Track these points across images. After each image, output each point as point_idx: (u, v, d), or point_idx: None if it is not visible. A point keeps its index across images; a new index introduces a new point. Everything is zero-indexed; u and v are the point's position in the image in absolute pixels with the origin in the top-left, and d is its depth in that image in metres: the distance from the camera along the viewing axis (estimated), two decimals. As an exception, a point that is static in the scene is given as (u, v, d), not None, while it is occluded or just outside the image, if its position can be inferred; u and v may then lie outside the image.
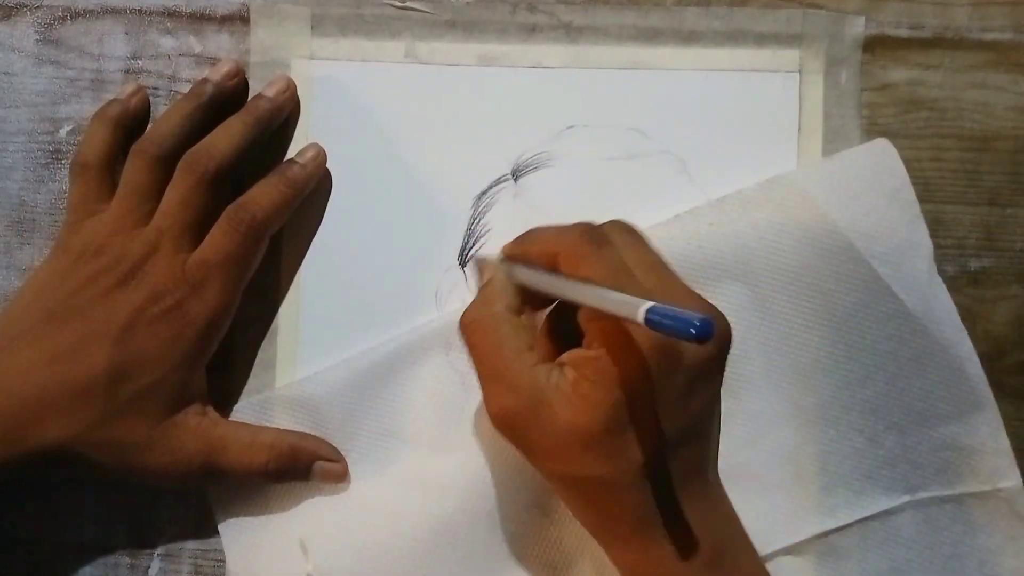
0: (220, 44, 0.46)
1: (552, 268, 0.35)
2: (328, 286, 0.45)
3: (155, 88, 0.46)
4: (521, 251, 0.37)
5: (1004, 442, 0.42)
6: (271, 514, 0.43)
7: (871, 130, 0.45)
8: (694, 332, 0.25)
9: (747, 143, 0.45)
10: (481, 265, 0.39)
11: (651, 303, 0.27)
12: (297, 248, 0.45)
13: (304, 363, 0.44)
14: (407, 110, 0.45)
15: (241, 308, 0.43)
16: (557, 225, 0.36)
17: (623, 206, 0.44)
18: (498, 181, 0.45)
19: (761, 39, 0.45)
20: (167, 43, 0.46)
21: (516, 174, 0.45)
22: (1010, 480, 0.42)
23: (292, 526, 0.42)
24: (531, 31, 0.46)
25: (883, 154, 0.44)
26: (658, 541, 0.33)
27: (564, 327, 0.37)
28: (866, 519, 0.42)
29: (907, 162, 0.45)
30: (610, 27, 0.45)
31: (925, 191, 0.45)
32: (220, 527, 0.43)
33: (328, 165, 0.45)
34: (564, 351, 0.35)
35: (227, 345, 0.44)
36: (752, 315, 0.43)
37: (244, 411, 0.44)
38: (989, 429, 0.43)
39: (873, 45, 0.45)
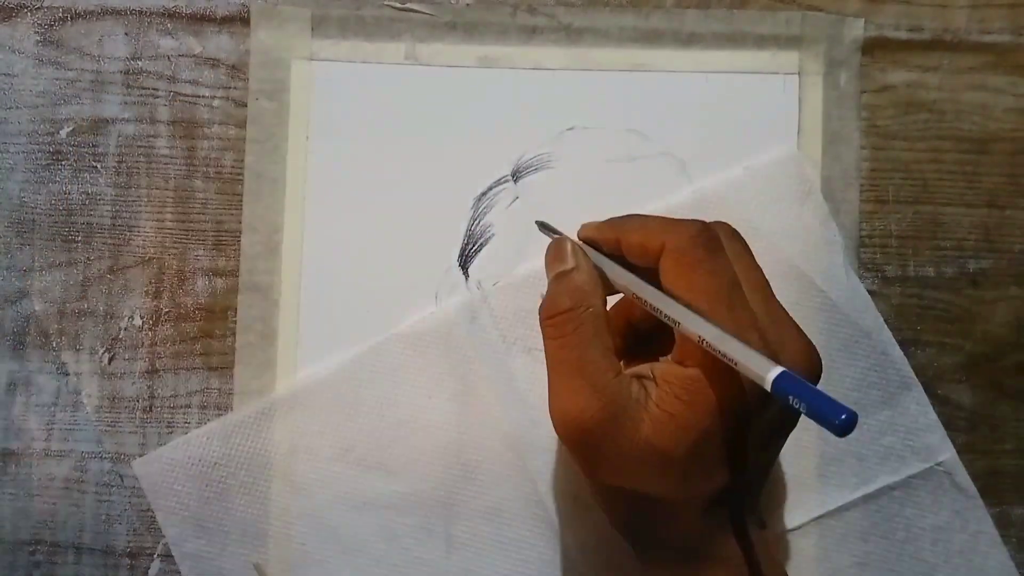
0: (220, 45, 0.46)
1: (647, 262, 0.31)
2: (327, 287, 0.44)
3: (155, 89, 0.46)
4: (613, 238, 0.33)
5: (932, 416, 0.43)
6: (228, 540, 0.42)
7: (870, 132, 0.45)
8: (838, 424, 0.23)
9: (747, 145, 0.45)
10: (561, 245, 0.34)
11: (780, 369, 0.25)
12: (297, 249, 0.45)
13: (304, 364, 0.44)
14: (407, 111, 0.45)
15: (241, 309, 0.43)
16: (661, 217, 0.33)
17: (623, 208, 0.43)
18: (498, 182, 0.45)
19: (761, 41, 0.45)
20: (167, 44, 0.46)
21: (516, 175, 0.45)
22: (945, 453, 0.43)
23: (248, 551, 0.42)
24: (532, 33, 0.45)
25: (791, 161, 0.44)
26: (704, 574, 0.31)
27: (632, 330, 0.33)
28: (822, 517, 0.42)
29: (906, 164, 0.45)
30: (610, 29, 0.45)
31: (924, 192, 0.45)
32: (175, 552, 0.42)
33: (329, 166, 0.45)
34: (627, 351, 0.32)
35: (228, 345, 0.44)
36: None
37: (243, 418, 0.43)
38: (918, 407, 0.43)
39: (872, 47, 0.45)
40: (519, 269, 0.44)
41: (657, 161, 0.45)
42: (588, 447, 0.30)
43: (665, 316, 0.30)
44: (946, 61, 0.45)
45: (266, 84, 0.45)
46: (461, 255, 0.44)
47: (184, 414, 0.45)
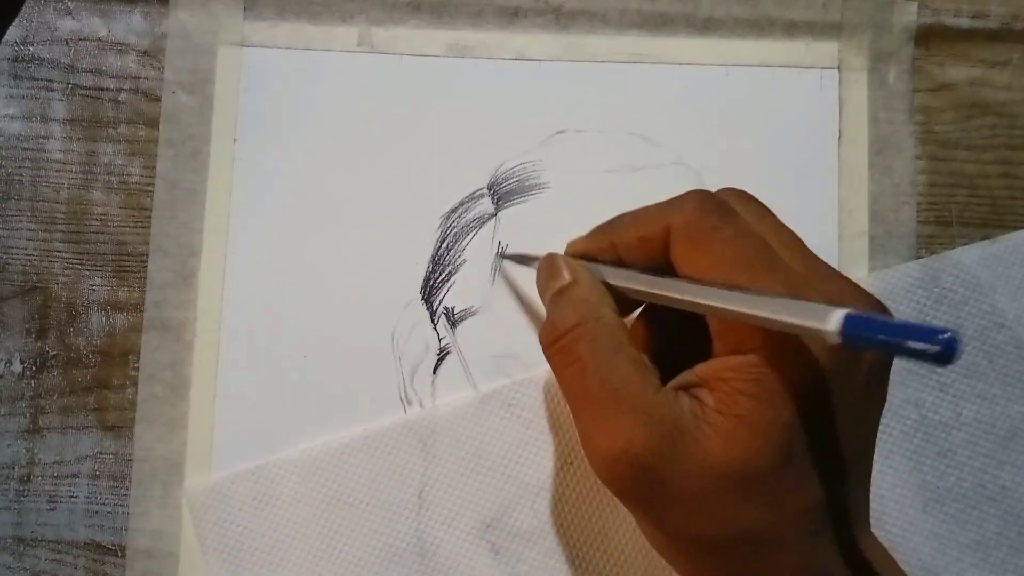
0: (131, 27, 0.38)
1: (653, 256, 0.27)
2: (255, 326, 0.36)
3: (48, 80, 0.37)
4: (607, 243, 0.29)
5: None
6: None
7: (926, 139, 0.38)
8: (938, 347, 0.18)
9: (776, 154, 0.38)
10: (551, 262, 0.30)
11: (847, 310, 0.20)
12: (217, 278, 0.36)
13: (222, 422, 0.36)
14: (359, 110, 0.38)
15: (145, 353, 0.36)
16: (652, 205, 0.28)
17: None
18: (471, 197, 0.38)
19: (792, 29, 0.39)
20: (65, 25, 0.38)
21: (494, 189, 0.38)
22: None
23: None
24: (513, 15, 0.38)
25: None
26: None
27: (655, 337, 0.29)
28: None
29: (970, 178, 0.38)
30: (609, 12, 0.38)
31: (993, 213, 0.38)
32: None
33: (261, 175, 0.37)
34: (660, 367, 0.26)
35: (128, 399, 0.36)
36: (902, 423, 0.36)
37: (199, 496, 0.35)
38: None
39: (927, 37, 0.39)
40: (496, 301, 0.36)
41: (666, 172, 0.38)
42: (648, 489, 0.25)
43: (693, 305, 0.25)
44: (1017, 55, 0.39)
45: (185, 75, 0.38)
46: (425, 286, 0.37)
47: (71, 485, 0.36)
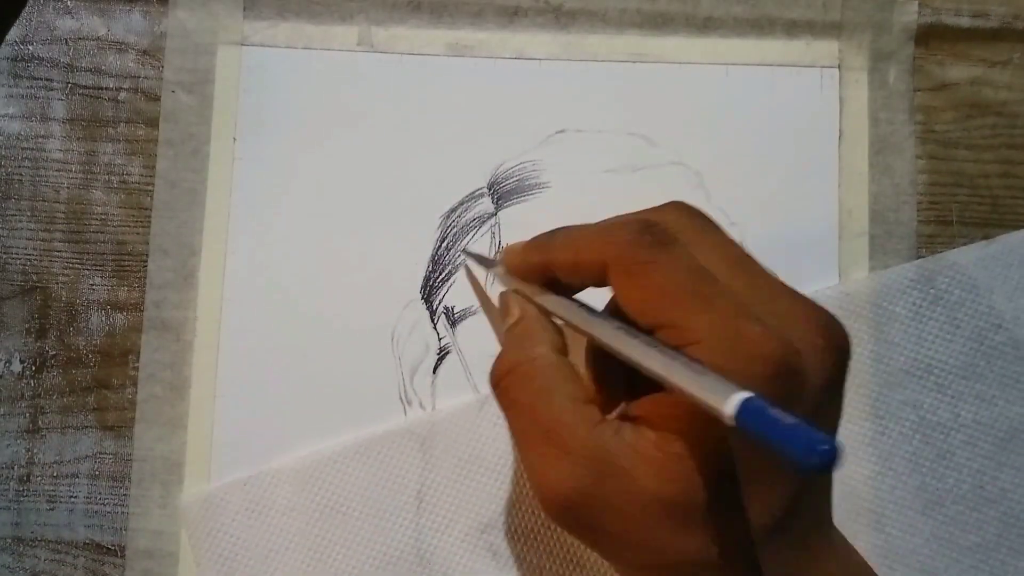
0: (130, 26, 0.38)
1: (591, 282, 0.27)
2: (254, 326, 0.36)
3: (48, 80, 0.37)
4: (540, 263, 0.28)
5: None
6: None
7: (927, 138, 0.38)
8: (814, 458, 0.18)
9: (776, 153, 0.38)
10: (503, 301, 0.30)
11: (746, 395, 0.20)
12: (217, 278, 0.36)
13: (222, 422, 0.36)
14: (359, 109, 0.38)
15: (145, 353, 0.36)
16: (592, 225, 0.28)
17: None
18: (471, 197, 0.37)
19: (792, 28, 0.39)
20: (65, 24, 0.38)
21: (494, 189, 0.38)
22: None
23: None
24: (513, 15, 0.38)
25: None
26: None
27: (614, 363, 0.28)
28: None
29: (971, 178, 0.38)
30: (609, 11, 0.38)
31: (994, 213, 0.38)
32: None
33: (260, 175, 0.37)
34: (617, 395, 0.27)
35: (128, 399, 0.36)
36: (900, 424, 0.36)
37: (193, 508, 0.35)
38: None
39: (928, 36, 0.39)
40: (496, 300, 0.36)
41: (667, 172, 0.38)
42: (586, 522, 0.25)
43: (617, 352, 0.25)
44: (1017, 54, 0.39)
45: (185, 74, 0.38)
46: (425, 286, 0.37)
47: (70, 485, 0.36)
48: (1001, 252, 0.37)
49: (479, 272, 0.35)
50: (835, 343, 0.25)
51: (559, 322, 0.28)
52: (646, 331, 0.25)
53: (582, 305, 0.27)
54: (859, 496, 0.35)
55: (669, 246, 0.25)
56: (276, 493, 0.35)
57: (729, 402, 0.20)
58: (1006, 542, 0.35)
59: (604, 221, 0.27)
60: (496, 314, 0.31)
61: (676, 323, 0.24)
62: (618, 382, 0.28)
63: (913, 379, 0.36)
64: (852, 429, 0.36)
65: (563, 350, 0.27)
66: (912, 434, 0.36)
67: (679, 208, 0.28)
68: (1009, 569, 0.35)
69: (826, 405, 0.25)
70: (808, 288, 0.36)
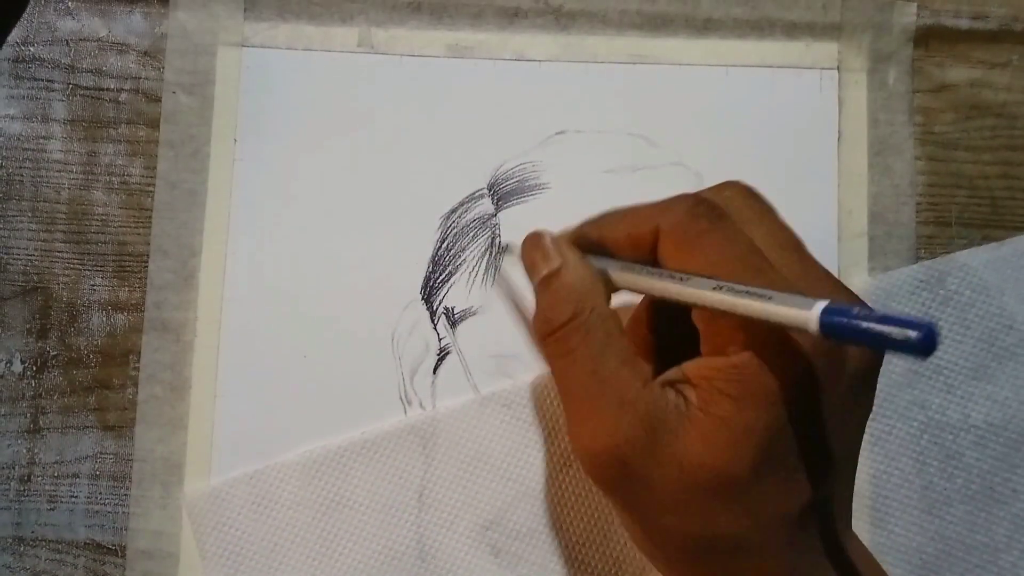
0: (131, 27, 0.38)
1: (641, 256, 0.26)
2: (254, 327, 0.36)
3: (49, 81, 0.37)
4: (596, 236, 0.28)
5: None
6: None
7: (926, 140, 0.38)
8: (914, 339, 0.18)
9: (776, 154, 0.38)
10: (539, 241, 0.29)
11: (826, 302, 0.20)
12: (217, 278, 0.36)
13: (223, 423, 0.36)
14: (360, 110, 0.38)
15: (146, 353, 0.36)
16: (644, 204, 0.27)
17: None
18: (471, 198, 0.37)
19: (792, 29, 0.39)
20: (66, 25, 0.38)
21: (494, 189, 0.38)
22: None
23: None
24: (513, 16, 0.38)
25: None
26: None
27: (655, 329, 0.28)
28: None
29: (970, 179, 0.38)
30: (609, 12, 0.38)
31: (993, 214, 0.38)
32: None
33: (261, 176, 0.37)
34: (657, 364, 0.26)
35: (128, 399, 0.36)
36: (908, 424, 0.36)
37: (197, 502, 0.35)
38: None
39: (927, 38, 0.39)
40: (496, 301, 0.36)
41: (666, 172, 0.38)
42: (628, 483, 0.25)
43: (676, 298, 0.25)
44: (1016, 56, 0.39)
45: (186, 75, 0.38)
46: (425, 287, 0.37)
47: (71, 485, 0.36)
48: (1012, 254, 0.37)
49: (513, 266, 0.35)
50: None
51: (634, 287, 0.27)
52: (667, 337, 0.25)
53: (652, 270, 0.26)
54: (861, 493, 0.35)
55: (724, 220, 0.25)
56: (281, 487, 0.35)
57: (815, 307, 0.20)
58: (1018, 544, 0.35)
59: (658, 201, 0.27)
60: (530, 260, 0.29)
61: (725, 282, 0.24)
62: (662, 347, 0.28)
63: (922, 379, 0.36)
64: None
65: (609, 300, 0.27)
66: (920, 434, 0.36)
67: (736, 187, 0.28)
68: (1019, 571, 0.35)
69: (860, 393, 0.25)
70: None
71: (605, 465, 0.25)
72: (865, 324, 0.19)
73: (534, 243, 0.29)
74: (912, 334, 0.18)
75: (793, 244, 0.27)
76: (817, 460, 0.24)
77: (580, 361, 0.26)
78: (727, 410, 0.23)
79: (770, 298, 0.22)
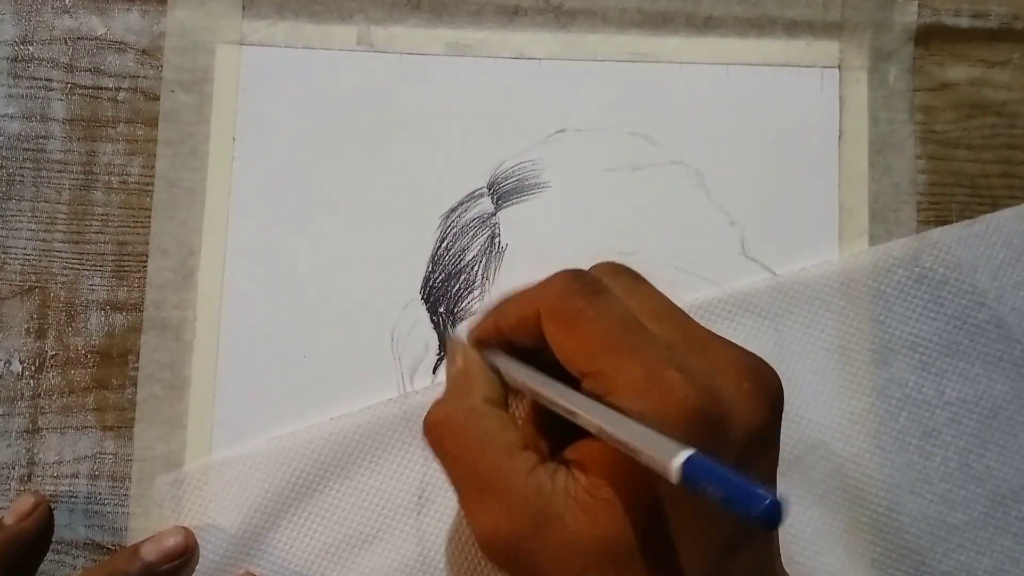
0: (129, 25, 0.38)
1: (535, 339, 0.27)
2: (253, 326, 0.36)
3: (47, 80, 0.37)
4: (492, 326, 0.29)
5: None
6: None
7: (927, 138, 0.38)
8: (758, 515, 0.19)
9: (776, 153, 0.38)
10: (450, 348, 0.31)
11: (690, 451, 0.20)
12: (216, 277, 0.36)
13: (222, 422, 0.36)
14: (358, 109, 0.38)
15: (145, 353, 0.36)
16: (528, 287, 0.29)
17: (625, 228, 0.37)
18: (471, 197, 0.37)
19: (793, 28, 0.38)
20: (64, 24, 0.38)
21: (494, 188, 0.37)
22: None
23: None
24: (513, 14, 0.38)
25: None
26: None
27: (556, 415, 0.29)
28: None
29: (970, 177, 0.38)
30: (609, 11, 0.38)
31: (993, 213, 0.37)
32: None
33: (260, 174, 0.37)
34: (563, 443, 0.26)
35: (127, 399, 0.36)
36: (887, 402, 0.36)
37: (166, 486, 0.35)
38: None
39: (928, 37, 0.39)
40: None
41: (667, 171, 0.38)
42: (522, 567, 0.26)
43: (561, 408, 0.25)
44: (1017, 55, 0.39)
45: (184, 73, 0.38)
46: (424, 286, 0.36)
47: (70, 484, 0.36)
48: (984, 232, 0.37)
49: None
50: (765, 389, 0.25)
51: (518, 385, 0.28)
52: (576, 379, 0.25)
53: (527, 365, 0.28)
54: (846, 474, 0.35)
55: (599, 295, 0.26)
56: (266, 473, 0.35)
57: (675, 460, 0.20)
58: (992, 520, 0.35)
59: (544, 280, 0.28)
60: (446, 364, 0.31)
61: (602, 370, 0.25)
62: (560, 429, 0.28)
63: (899, 356, 0.36)
64: (841, 407, 0.36)
65: (500, 401, 0.28)
66: (898, 412, 0.36)
67: (608, 264, 0.29)
68: (996, 547, 0.35)
69: (756, 451, 0.25)
70: (805, 263, 0.37)
71: (495, 553, 0.26)
72: (717, 489, 0.20)
73: (449, 347, 0.31)
74: (755, 509, 0.19)
75: (671, 312, 0.27)
76: (704, 528, 0.24)
77: (457, 461, 0.27)
78: (610, 493, 0.24)
79: (639, 436, 0.22)
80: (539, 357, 0.28)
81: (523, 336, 0.28)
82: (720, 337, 0.26)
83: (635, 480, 0.24)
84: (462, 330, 0.31)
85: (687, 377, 0.24)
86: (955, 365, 0.36)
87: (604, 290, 0.26)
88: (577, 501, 0.24)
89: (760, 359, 0.26)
